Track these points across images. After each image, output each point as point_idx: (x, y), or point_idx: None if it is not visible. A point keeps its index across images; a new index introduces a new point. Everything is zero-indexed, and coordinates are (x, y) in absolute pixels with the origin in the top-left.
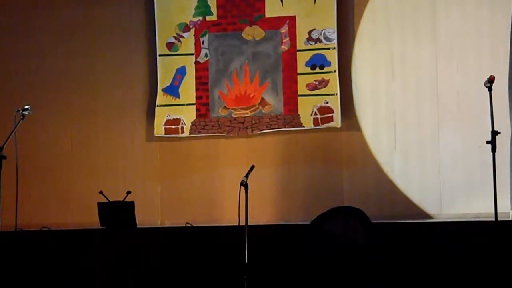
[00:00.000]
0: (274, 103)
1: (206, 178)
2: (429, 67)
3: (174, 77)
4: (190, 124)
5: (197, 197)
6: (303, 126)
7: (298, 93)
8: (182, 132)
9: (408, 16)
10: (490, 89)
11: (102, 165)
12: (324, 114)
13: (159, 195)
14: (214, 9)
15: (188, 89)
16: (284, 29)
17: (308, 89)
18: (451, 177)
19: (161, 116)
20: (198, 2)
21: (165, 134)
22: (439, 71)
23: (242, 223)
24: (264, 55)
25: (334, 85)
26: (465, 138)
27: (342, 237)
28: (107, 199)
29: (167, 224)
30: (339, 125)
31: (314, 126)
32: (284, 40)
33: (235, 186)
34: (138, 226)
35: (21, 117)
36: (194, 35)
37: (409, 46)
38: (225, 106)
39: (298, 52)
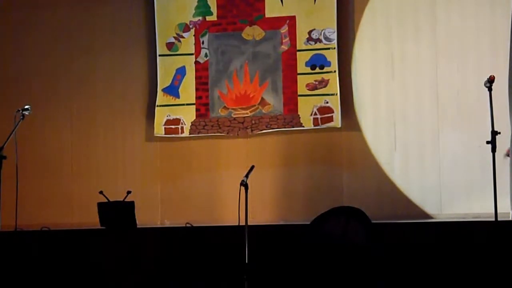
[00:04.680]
0: (274, 103)
1: (206, 178)
2: (429, 67)
3: (174, 77)
4: (190, 124)
5: (197, 197)
6: (303, 126)
7: (298, 93)
8: (182, 132)
9: (408, 16)
10: (490, 89)
11: (102, 165)
12: (324, 114)
13: (159, 195)
14: (214, 9)
15: (188, 89)
16: (284, 29)
17: (308, 89)
18: (451, 177)
19: (161, 116)
20: (198, 2)
21: (165, 134)
22: (439, 71)
23: (242, 223)
24: (264, 55)
25: (334, 85)
26: (465, 138)
27: (342, 237)
28: (107, 199)
29: (167, 224)
30: (339, 125)
31: (314, 126)
32: (284, 40)
33: (235, 186)
34: (138, 226)
35: (21, 117)
36: (194, 35)
37: (409, 46)
38: (225, 106)
39: (298, 52)
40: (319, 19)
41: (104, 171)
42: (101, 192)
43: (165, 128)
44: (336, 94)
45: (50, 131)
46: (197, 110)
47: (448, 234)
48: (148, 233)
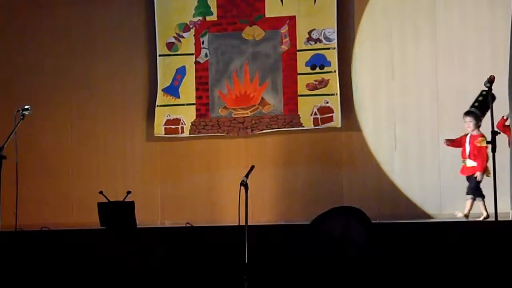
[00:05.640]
0: (274, 103)
1: (206, 178)
2: (429, 67)
3: (174, 77)
4: (190, 124)
5: (197, 197)
6: (303, 126)
7: (298, 93)
8: (182, 132)
9: (408, 16)
10: (490, 89)
11: (102, 165)
12: (324, 114)
13: (159, 195)
14: (214, 9)
15: (188, 89)
16: (284, 29)
17: (308, 89)
18: (451, 177)
19: (161, 116)
20: (198, 2)
21: (165, 134)
22: (439, 71)
23: (242, 223)
24: (264, 55)
25: (334, 85)
26: None
27: (342, 237)
28: (107, 199)
29: (167, 224)
30: (339, 125)
31: (314, 126)
32: (284, 40)
33: (235, 186)
34: (138, 226)
35: (21, 117)
36: (194, 35)
37: (409, 46)
38: (225, 106)
39: (298, 52)
40: (319, 19)
41: (104, 171)
42: (101, 192)
43: (165, 128)
44: (336, 94)
45: (50, 131)
46: (197, 110)
47: (448, 234)
48: (148, 233)
